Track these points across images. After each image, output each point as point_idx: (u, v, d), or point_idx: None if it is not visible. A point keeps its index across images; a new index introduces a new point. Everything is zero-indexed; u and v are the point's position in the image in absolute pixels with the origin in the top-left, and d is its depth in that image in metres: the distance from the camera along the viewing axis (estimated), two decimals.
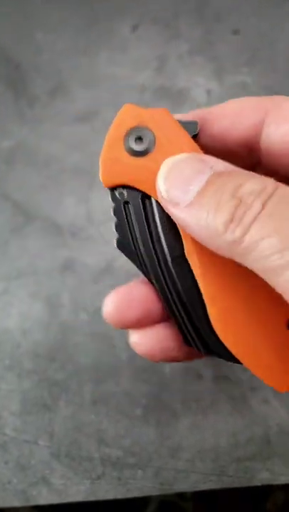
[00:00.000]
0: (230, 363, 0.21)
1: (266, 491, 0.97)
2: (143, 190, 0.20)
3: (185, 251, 0.20)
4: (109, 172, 0.20)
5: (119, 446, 0.38)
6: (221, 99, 0.43)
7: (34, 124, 0.43)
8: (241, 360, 0.20)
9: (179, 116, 0.21)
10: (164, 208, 0.19)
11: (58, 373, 0.39)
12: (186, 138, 0.19)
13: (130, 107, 0.20)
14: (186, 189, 0.17)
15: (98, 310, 0.40)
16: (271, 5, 0.44)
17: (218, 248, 0.17)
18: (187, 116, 0.21)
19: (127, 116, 0.20)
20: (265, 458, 0.37)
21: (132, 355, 0.39)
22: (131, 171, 0.20)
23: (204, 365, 0.39)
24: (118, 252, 0.41)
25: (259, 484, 0.37)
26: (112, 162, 0.20)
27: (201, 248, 0.18)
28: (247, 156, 0.21)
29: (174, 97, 0.44)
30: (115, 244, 0.22)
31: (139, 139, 0.19)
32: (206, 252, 0.18)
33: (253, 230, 0.15)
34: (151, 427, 0.38)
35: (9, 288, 0.40)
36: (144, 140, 0.19)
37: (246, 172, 0.17)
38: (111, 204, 0.21)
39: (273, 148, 0.20)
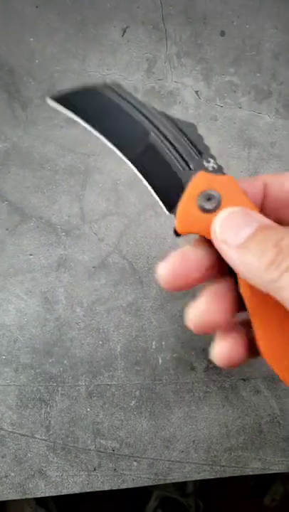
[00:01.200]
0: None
1: (264, 485, 0.97)
2: (209, 239, 0.24)
3: (240, 288, 0.24)
4: (183, 222, 0.24)
5: (114, 438, 0.39)
6: (210, 99, 0.44)
7: (27, 126, 0.44)
8: (277, 373, 0.24)
9: (242, 180, 0.25)
10: (216, 247, 0.23)
11: (54, 367, 0.40)
12: (246, 199, 0.24)
13: (204, 174, 0.24)
14: (238, 233, 0.21)
15: (92, 305, 0.41)
16: (254, 8, 0.45)
17: (257, 283, 0.21)
18: (251, 181, 0.25)
19: (200, 180, 0.24)
20: (256, 447, 0.38)
21: (126, 348, 0.40)
22: (200, 224, 0.24)
23: (197, 357, 0.40)
24: (111, 249, 0.42)
25: (251, 473, 0.38)
26: (186, 214, 0.24)
27: (252, 287, 0.23)
28: None
29: (165, 98, 0.45)
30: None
31: (209, 199, 0.24)
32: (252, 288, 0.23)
33: (287, 274, 0.19)
34: (145, 418, 0.39)
35: (6, 285, 0.41)
36: (212, 200, 0.24)
37: (287, 229, 0.21)
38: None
39: None
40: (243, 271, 0.21)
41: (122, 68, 0.45)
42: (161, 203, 0.25)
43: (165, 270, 0.24)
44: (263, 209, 0.25)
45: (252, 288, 0.23)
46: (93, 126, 0.25)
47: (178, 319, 0.40)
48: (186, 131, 0.25)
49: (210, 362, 0.40)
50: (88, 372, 0.40)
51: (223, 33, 0.45)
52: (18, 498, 0.38)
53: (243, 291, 0.24)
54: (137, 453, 0.39)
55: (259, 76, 0.45)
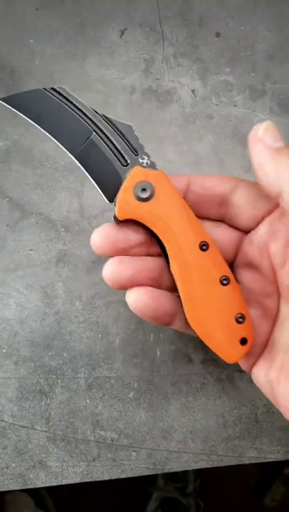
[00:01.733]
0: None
1: (264, 486, 0.98)
2: (145, 223, 0.28)
3: (170, 266, 0.29)
4: (122, 210, 0.28)
5: (113, 429, 0.40)
6: (206, 98, 0.46)
7: (28, 125, 0.45)
8: (199, 336, 0.29)
9: (170, 176, 0.30)
10: (252, 145, 0.27)
11: (54, 360, 0.41)
12: (174, 189, 0.29)
13: (139, 168, 0.29)
14: (276, 141, 0.26)
15: (92, 299, 0.42)
16: (248, 10, 0.47)
17: (272, 184, 0.26)
18: (178, 178, 0.30)
19: (136, 174, 0.28)
20: (253, 437, 0.39)
21: (124, 341, 0.41)
22: (137, 211, 0.28)
23: (194, 349, 0.41)
24: None
25: (248, 462, 0.38)
26: (124, 203, 0.28)
27: (181, 266, 0.28)
28: (217, 206, 0.31)
29: (162, 97, 0.46)
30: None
31: (144, 189, 0.28)
32: (183, 268, 0.28)
33: None
34: (144, 409, 0.40)
35: (7, 280, 0.42)
36: (147, 191, 0.28)
37: None
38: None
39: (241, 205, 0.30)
40: (266, 169, 0.26)
41: (121, 68, 0.46)
42: (102, 193, 0.29)
43: (97, 235, 0.29)
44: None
45: (181, 266, 0.28)
46: (40, 124, 0.30)
47: None
48: (124, 132, 0.29)
49: (207, 354, 0.41)
50: (87, 364, 0.41)
51: (218, 35, 0.47)
52: (19, 488, 0.39)
53: (173, 267, 0.28)
54: (135, 443, 0.39)
55: (254, 76, 0.46)
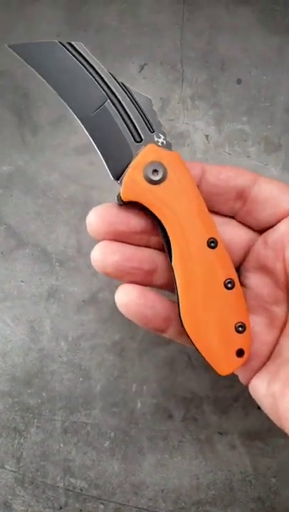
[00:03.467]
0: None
1: None
2: (150, 209, 0.25)
3: (172, 261, 0.26)
4: (128, 190, 0.25)
5: (84, 478, 0.39)
6: (219, 145, 0.45)
7: (35, 152, 0.44)
8: (194, 342, 0.26)
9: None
10: None
11: (32, 398, 0.40)
12: (189, 175, 0.26)
13: (153, 146, 0.26)
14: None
15: (77, 340, 0.41)
16: (273, 60, 0.45)
17: None
18: (192, 164, 0.27)
19: (150, 152, 0.25)
20: (225, 505, 0.38)
21: (106, 388, 0.40)
22: (144, 193, 0.25)
23: (176, 405, 0.40)
24: (103, 284, 0.42)
25: None
26: (132, 183, 0.25)
27: (184, 263, 0.25)
28: (233, 200, 0.28)
29: (174, 139, 0.45)
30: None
31: (155, 171, 0.25)
32: (187, 265, 0.25)
33: None
34: (117, 460, 0.39)
35: None
36: (158, 172, 0.25)
37: None
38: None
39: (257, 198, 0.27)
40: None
41: None
42: (107, 168, 0.26)
43: (95, 215, 0.26)
44: None
45: (185, 261, 0.25)
46: (49, 81, 0.27)
47: (162, 364, 0.40)
48: (143, 105, 0.26)
49: (188, 411, 0.40)
50: (66, 407, 0.40)
51: (239, 81, 0.46)
52: None
53: (175, 262, 0.26)
54: (104, 495, 0.38)
55: (270, 128, 0.45)
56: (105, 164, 0.26)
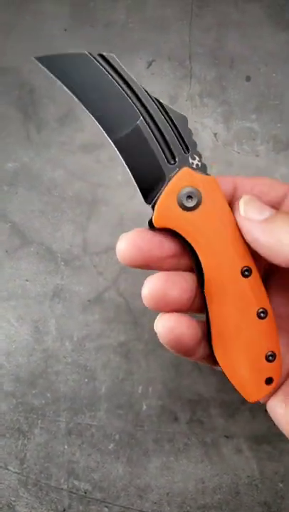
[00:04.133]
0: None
1: None
2: (185, 237, 0.24)
3: (204, 288, 0.25)
4: (162, 216, 0.24)
5: (88, 480, 0.38)
6: (228, 144, 0.44)
7: (40, 149, 0.43)
8: (223, 368, 0.25)
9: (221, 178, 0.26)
10: (240, 224, 0.24)
11: (37, 399, 0.40)
12: (225, 202, 0.25)
13: (188, 171, 0.24)
14: (261, 212, 0.24)
15: (82, 340, 0.40)
16: (282, 58, 0.45)
17: (279, 254, 0.23)
18: (223, 180, 0.26)
19: (185, 176, 0.24)
20: (231, 509, 0.37)
21: (111, 389, 0.39)
22: (178, 220, 0.24)
23: (182, 407, 0.39)
24: (109, 284, 0.41)
25: None
26: (165, 209, 0.24)
27: (217, 291, 0.25)
28: None
29: None
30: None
31: (190, 197, 0.24)
32: (219, 293, 0.25)
33: None
34: (122, 463, 0.39)
35: None
36: (193, 198, 0.24)
37: None
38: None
39: None
40: (265, 243, 0.23)
41: None
42: (140, 191, 0.24)
43: (125, 241, 0.24)
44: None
45: (217, 290, 0.25)
46: (79, 97, 0.24)
47: (168, 366, 0.40)
48: (178, 124, 0.25)
49: (194, 414, 0.39)
50: (70, 408, 0.39)
51: (248, 78, 0.45)
52: None
53: (207, 290, 0.25)
54: (109, 498, 0.38)
55: (280, 126, 0.44)
56: (137, 187, 0.25)
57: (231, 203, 0.25)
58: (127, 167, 0.24)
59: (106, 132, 0.24)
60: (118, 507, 0.37)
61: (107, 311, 0.41)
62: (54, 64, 0.24)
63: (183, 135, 0.25)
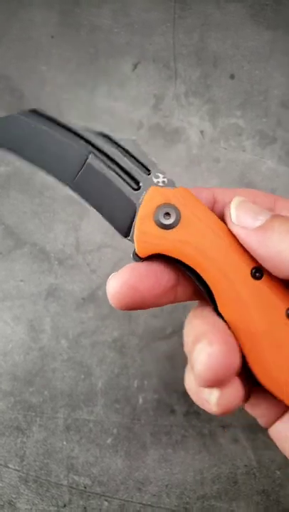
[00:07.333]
0: None
1: None
2: (175, 257, 0.22)
3: (218, 308, 0.22)
4: (143, 244, 0.22)
5: (87, 475, 0.39)
6: (215, 140, 0.45)
7: None
8: (261, 382, 0.22)
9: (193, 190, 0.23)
10: (233, 231, 0.22)
11: (34, 397, 0.40)
12: (205, 208, 0.23)
13: (156, 189, 0.23)
14: (255, 218, 0.21)
15: (78, 337, 0.41)
16: (264, 56, 0.46)
17: (279, 263, 0.20)
18: (200, 192, 0.24)
19: (154, 196, 0.23)
20: (230, 498, 0.38)
21: (107, 384, 0.40)
22: (162, 242, 0.22)
23: (178, 399, 0.40)
24: (102, 281, 0.42)
25: None
26: (145, 235, 0.22)
27: (233, 305, 0.22)
28: None
29: (169, 136, 0.45)
30: None
31: (167, 213, 0.22)
32: (236, 306, 0.22)
33: None
34: (120, 457, 0.39)
35: None
36: (171, 215, 0.22)
37: None
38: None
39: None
40: (264, 252, 0.21)
41: (129, 102, 0.46)
42: (114, 228, 0.23)
43: (117, 282, 0.21)
44: None
45: (234, 304, 0.22)
46: (22, 156, 0.24)
47: (163, 360, 0.40)
48: (130, 148, 0.24)
49: (191, 406, 0.39)
50: (67, 405, 0.40)
51: (232, 76, 0.46)
52: None
53: (223, 309, 0.22)
54: (108, 492, 0.38)
55: (265, 121, 0.45)
56: (110, 224, 0.23)
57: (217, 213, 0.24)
58: (93, 208, 0.23)
59: (60, 180, 0.23)
60: (118, 500, 0.38)
61: (101, 307, 0.41)
62: None
63: (138, 158, 0.24)
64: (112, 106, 0.46)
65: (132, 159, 0.24)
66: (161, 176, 0.23)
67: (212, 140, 0.45)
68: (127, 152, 0.24)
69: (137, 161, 0.24)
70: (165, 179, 0.23)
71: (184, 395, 0.39)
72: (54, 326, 0.41)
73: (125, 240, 0.45)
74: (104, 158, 0.24)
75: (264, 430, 0.39)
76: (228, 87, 0.46)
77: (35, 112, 0.24)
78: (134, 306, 0.22)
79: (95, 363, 0.40)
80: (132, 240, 0.23)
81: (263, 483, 0.38)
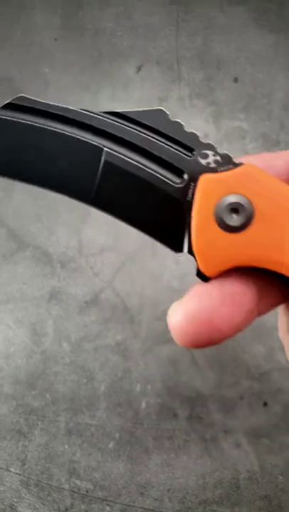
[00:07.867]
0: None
1: None
2: (257, 265, 0.16)
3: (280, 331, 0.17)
4: (208, 259, 0.16)
5: (89, 479, 0.39)
6: (218, 143, 0.45)
7: None
8: None
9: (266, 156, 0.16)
10: None
11: (36, 400, 0.40)
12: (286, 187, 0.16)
13: (208, 177, 0.15)
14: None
15: (80, 341, 0.41)
16: (268, 59, 0.46)
17: None
18: (270, 158, 0.16)
19: (208, 188, 0.15)
20: (232, 503, 0.37)
21: (110, 388, 0.40)
22: (234, 251, 0.16)
23: (180, 404, 0.40)
24: (105, 285, 0.42)
25: None
26: (208, 246, 0.15)
27: None
28: None
29: None
30: None
31: (234, 209, 0.15)
32: None
33: None
34: (122, 461, 0.39)
35: None
36: (240, 209, 0.15)
37: None
38: None
39: None
40: None
41: (133, 104, 0.46)
42: (163, 244, 0.16)
43: (183, 315, 0.14)
44: None
45: None
46: (17, 178, 0.15)
47: (165, 364, 0.40)
48: (157, 124, 0.16)
49: (193, 411, 0.39)
50: (69, 409, 0.40)
51: (236, 80, 0.46)
52: None
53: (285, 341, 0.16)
54: (110, 497, 0.38)
55: (268, 124, 0.45)
56: (159, 242, 0.16)
57: None
58: (129, 224, 0.16)
59: (75, 197, 0.16)
60: (120, 505, 0.38)
61: (104, 311, 0.41)
62: None
63: (172, 134, 0.16)
64: (115, 108, 0.46)
65: (165, 139, 0.16)
66: (210, 154, 0.15)
67: (215, 143, 0.45)
68: (155, 130, 0.16)
69: (172, 140, 0.16)
70: (217, 157, 0.15)
71: (187, 400, 0.39)
72: (56, 329, 0.41)
73: (128, 243, 0.44)
74: (125, 150, 0.16)
75: (267, 435, 0.39)
76: (231, 90, 0.46)
77: (10, 106, 0.15)
78: (211, 342, 0.15)
79: (97, 366, 0.40)
80: (191, 254, 0.16)
81: (266, 488, 0.38)
